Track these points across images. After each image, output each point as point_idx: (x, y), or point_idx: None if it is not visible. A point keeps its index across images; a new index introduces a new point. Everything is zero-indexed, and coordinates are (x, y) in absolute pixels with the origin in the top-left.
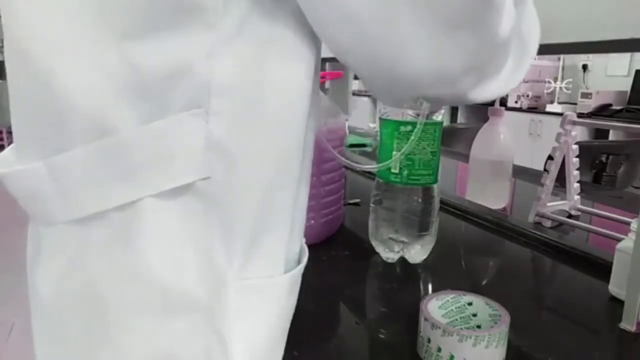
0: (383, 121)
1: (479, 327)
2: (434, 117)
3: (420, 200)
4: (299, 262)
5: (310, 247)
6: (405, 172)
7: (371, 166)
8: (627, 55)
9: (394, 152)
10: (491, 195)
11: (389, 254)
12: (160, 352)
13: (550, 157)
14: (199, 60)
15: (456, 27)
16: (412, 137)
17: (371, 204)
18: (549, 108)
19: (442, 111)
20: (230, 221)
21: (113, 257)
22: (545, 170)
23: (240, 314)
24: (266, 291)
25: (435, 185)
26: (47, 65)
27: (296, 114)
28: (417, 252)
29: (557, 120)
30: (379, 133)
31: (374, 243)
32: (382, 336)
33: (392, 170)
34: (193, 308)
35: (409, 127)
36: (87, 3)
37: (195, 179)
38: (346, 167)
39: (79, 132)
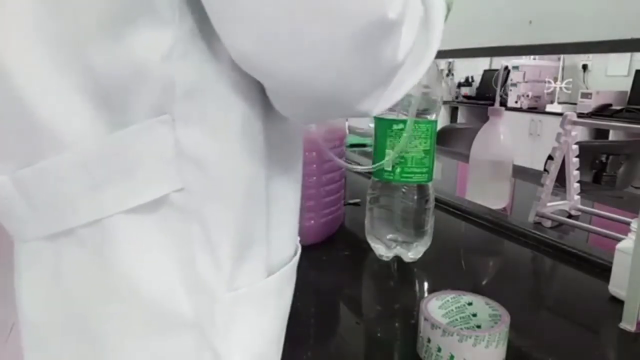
0: (376, 120)
1: (479, 327)
2: (427, 117)
3: (415, 198)
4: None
5: (310, 247)
6: (397, 170)
7: (363, 167)
8: (627, 55)
9: (387, 150)
10: (491, 195)
11: (384, 252)
12: None
13: (550, 157)
14: (158, 62)
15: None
16: (404, 134)
17: (367, 203)
18: (549, 108)
19: (436, 112)
20: (213, 233)
21: (89, 277)
22: (545, 170)
23: (234, 326)
24: (256, 298)
25: (429, 184)
26: (5, 69)
27: (269, 119)
28: (413, 251)
29: (557, 120)
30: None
31: (370, 241)
32: (382, 336)
33: (385, 168)
34: (182, 326)
35: (401, 126)
36: (40, 3)
37: (167, 191)
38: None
39: (42, 144)
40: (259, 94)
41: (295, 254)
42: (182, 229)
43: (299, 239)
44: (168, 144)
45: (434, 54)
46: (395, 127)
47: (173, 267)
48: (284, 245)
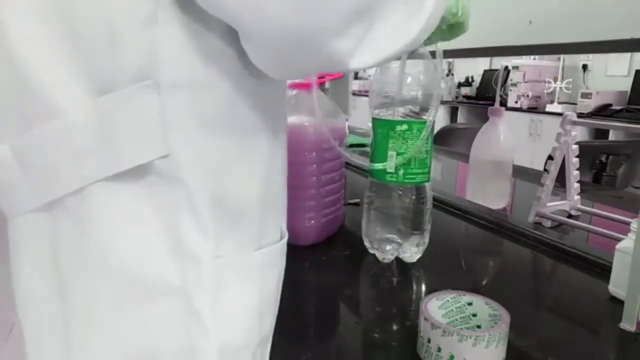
0: (377, 121)
1: (479, 327)
2: (424, 117)
3: (413, 199)
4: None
5: (310, 247)
6: (401, 172)
7: (380, 164)
8: (627, 55)
9: (389, 152)
10: (491, 195)
11: (384, 255)
12: (137, 343)
13: (550, 157)
14: (138, 27)
15: None
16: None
17: (364, 205)
18: (549, 108)
19: (434, 111)
20: (198, 199)
21: (77, 248)
22: (545, 170)
23: (219, 293)
24: (242, 268)
25: (427, 185)
26: (2, 31)
27: (253, 86)
28: (412, 252)
29: (557, 120)
30: (372, 133)
31: (367, 244)
32: (382, 336)
33: (388, 170)
34: (168, 292)
35: (404, 127)
36: None
37: (151, 158)
38: (346, 167)
39: (35, 111)
40: (247, 62)
41: (282, 237)
42: (166, 196)
43: (284, 224)
44: (152, 110)
45: (430, 11)
46: (398, 128)
47: (158, 233)
48: (274, 225)
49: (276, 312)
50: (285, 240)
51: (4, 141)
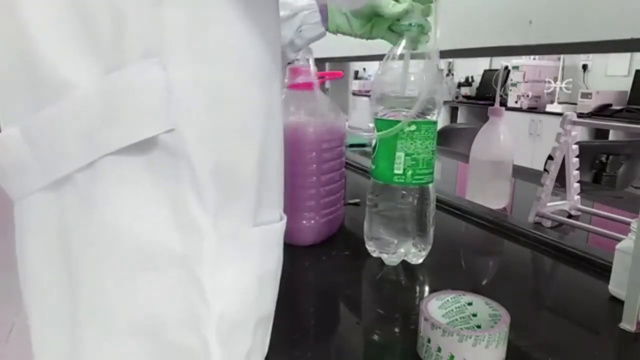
0: (384, 122)
1: (479, 327)
2: (428, 117)
3: (417, 200)
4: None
5: (310, 247)
6: (409, 172)
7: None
8: (627, 55)
9: (397, 153)
10: (491, 195)
11: (389, 258)
12: (143, 314)
13: (550, 157)
14: (148, 5)
15: None
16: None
17: (367, 207)
18: (549, 108)
19: (437, 111)
20: (201, 173)
21: (84, 223)
22: (545, 170)
23: (220, 266)
24: (239, 243)
25: (431, 185)
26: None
27: (255, 66)
28: (415, 254)
29: (557, 120)
30: (376, 133)
31: (370, 247)
32: (382, 336)
33: (396, 171)
34: (171, 262)
35: (413, 127)
36: None
37: (157, 132)
38: (346, 167)
39: (46, 88)
40: (255, 42)
41: (281, 219)
42: (170, 169)
43: (282, 208)
44: (159, 86)
45: None
46: (407, 128)
47: (163, 205)
48: (271, 204)
49: (276, 295)
50: (284, 222)
51: (14, 122)
